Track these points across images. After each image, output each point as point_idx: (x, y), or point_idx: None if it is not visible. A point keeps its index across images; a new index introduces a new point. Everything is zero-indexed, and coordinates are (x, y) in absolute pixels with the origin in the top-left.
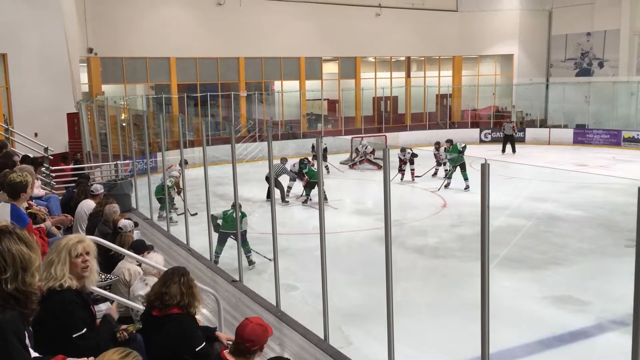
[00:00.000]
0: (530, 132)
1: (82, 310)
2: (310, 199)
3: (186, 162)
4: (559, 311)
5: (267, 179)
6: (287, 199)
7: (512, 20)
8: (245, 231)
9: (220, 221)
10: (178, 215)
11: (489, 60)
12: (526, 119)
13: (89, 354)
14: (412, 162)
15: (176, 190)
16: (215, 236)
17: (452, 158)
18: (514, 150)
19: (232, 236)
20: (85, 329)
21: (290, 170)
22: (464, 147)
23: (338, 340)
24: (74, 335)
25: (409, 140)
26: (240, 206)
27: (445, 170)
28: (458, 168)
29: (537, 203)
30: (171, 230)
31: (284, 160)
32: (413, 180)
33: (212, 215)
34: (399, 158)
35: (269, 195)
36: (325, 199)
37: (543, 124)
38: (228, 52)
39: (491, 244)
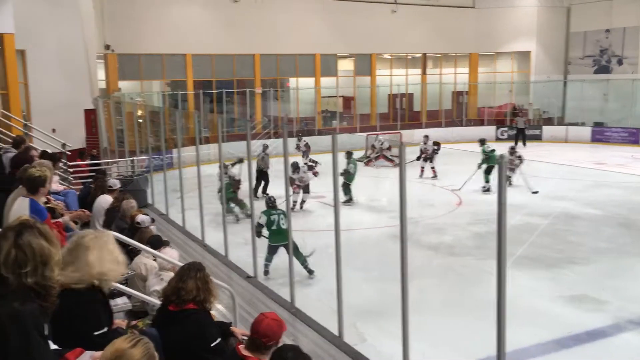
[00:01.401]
0: (547, 130)
1: (103, 309)
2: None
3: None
4: (576, 310)
5: (261, 172)
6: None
7: (530, 17)
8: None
9: (265, 231)
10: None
11: (505, 57)
12: (543, 117)
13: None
14: (432, 160)
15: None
16: (230, 233)
17: (484, 160)
18: (524, 144)
19: (282, 246)
20: (106, 328)
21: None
22: (493, 150)
23: (352, 337)
24: (95, 333)
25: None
26: (273, 200)
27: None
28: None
29: (555, 201)
30: (186, 226)
31: (295, 164)
32: (435, 177)
33: (258, 223)
34: (420, 149)
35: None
36: (351, 200)
37: (560, 121)
38: (243, 48)
39: (507, 243)
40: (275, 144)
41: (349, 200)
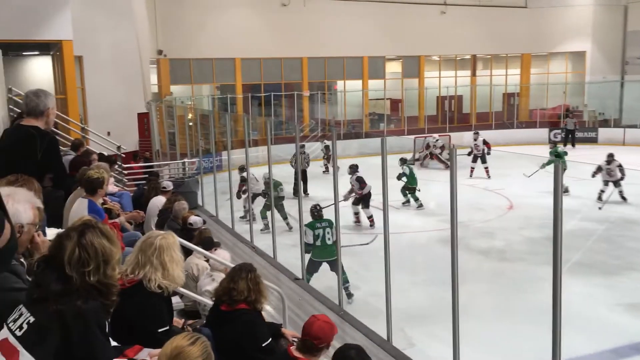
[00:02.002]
0: (603, 132)
1: (167, 308)
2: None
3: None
4: (635, 319)
5: (300, 171)
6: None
7: (585, 16)
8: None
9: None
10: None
11: (559, 57)
12: (599, 119)
13: None
14: (484, 160)
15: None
16: (278, 234)
17: (550, 160)
18: (573, 145)
19: (326, 262)
20: (168, 326)
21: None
22: (565, 153)
23: (401, 341)
24: (159, 330)
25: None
26: (319, 209)
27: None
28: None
29: (611, 206)
30: (235, 227)
31: (354, 167)
32: (489, 177)
33: (306, 243)
34: (470, 146)
35: (297, 191)
36: (421, 205)
37: (617, 123)
38: (291, 52)
39: (562, 248)
40: (320, 148)
41: (420, 206)
